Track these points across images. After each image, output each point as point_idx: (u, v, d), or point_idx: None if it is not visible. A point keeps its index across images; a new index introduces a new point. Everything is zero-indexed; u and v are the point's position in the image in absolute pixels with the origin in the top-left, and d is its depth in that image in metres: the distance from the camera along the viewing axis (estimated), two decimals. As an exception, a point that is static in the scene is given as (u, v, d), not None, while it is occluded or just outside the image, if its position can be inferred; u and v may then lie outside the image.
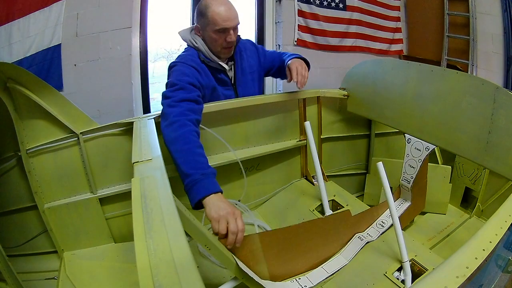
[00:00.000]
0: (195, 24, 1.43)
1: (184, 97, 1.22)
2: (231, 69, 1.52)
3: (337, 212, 1.49)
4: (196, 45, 1.42)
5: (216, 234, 0.96)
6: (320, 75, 3.37)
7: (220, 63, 1.44)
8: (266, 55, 1.64)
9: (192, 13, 2.74)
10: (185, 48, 1.49)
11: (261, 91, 1.66)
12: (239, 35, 1.48)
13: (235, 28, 1.38)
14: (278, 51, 1.72)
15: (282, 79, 1.67)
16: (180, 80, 1.27)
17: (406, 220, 1.56)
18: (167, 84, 1.29)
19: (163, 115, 1.21)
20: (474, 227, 1.63)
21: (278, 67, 1.63)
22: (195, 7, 2.71)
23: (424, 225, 1.68)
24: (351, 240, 1.29)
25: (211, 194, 0.99)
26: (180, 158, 1.07)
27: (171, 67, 1.37)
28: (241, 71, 1.54)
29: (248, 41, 1.63)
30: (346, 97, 1.81)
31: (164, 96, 1.25)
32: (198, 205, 1.01)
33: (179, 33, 1.49)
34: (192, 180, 1.02)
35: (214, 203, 0.98)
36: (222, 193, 1.03)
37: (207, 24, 1.36)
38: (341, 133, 1.92)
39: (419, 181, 1.60)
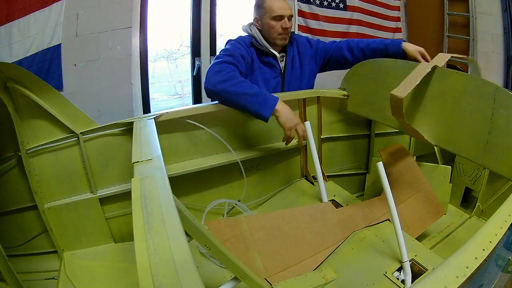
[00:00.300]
0: (254, 17, 1.65)
1: (232, 61, 1.42)
2: (282, 60, 1.67)
3: (319, 203, 1.51)
4: (250, 32, 1.65)
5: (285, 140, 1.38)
6: (320, 75, 3.37)
7: (270, 49, 1.62)
8: (318, 48, 1.75)
9: (192, 13, 2.75)
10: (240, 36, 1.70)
11: (310, 86, 1.80)
12: (293, 31, 1.68)
13: (289, 17, 1.58)
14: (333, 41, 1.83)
15: (343, 69, 1.79)
16: (232, 50, 1.50)
17: (421, 227, 1.49)
18: (220, 51, 1.54)
19: (210, 69, 1.38)
20: (474, 227, 1.63)
21: (335, 58, 1.77)
22: (195, 7, 2.72)
23: (424, 225, 1.68)
24: (347, 238, 1.30)
25: (277, 102, 1.31)
26: (240, 87, 1.31)
27: (226, 43, 1.64)
28: (291, 64, 1.68)
29: (304, 37, 1.79)
30: (346, 97, 1.81)
31: (216, 57, 1.47)
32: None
33: (242, 27, 1.73)
34: (261, 97, 1.30)
35: (283, 113, 1.31)
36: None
37: (264, 13, 1.58)
38: (341, 133, 1.92)
39: (415, 184, 1.60)
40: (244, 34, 1.71)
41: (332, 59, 1.77)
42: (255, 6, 1.64)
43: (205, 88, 1.37)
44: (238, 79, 1.34)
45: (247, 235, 1.08)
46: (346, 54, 1.72)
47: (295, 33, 1.80)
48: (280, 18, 1.56)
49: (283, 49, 1.69)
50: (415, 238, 1.35)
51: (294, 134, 1.34)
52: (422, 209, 1.54)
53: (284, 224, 1.16)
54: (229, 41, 1.63)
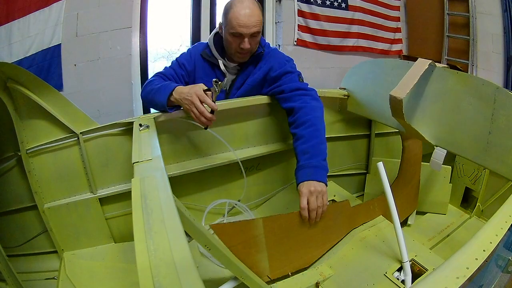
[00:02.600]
0: (220, 22, 1.41)
1: (161, 75, 1.42)
2: (235, 74, 1.48)
3: (337, 202, 1.50)
4: (209, 40, 1.47)
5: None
6: (320, 75, 3.38)
7: (218, 60, 1.43)
8: (276, 80, 1.43)
9: (192, 13, 2.75)
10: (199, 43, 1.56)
11: None
12: (263, 45, 1.44)
13: (252, 36, 1.32)
14: (299, 84, 1.41)
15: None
16: (168, 70, 1.46)
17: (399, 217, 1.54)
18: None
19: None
20: (474, 228, 1.63)
21: (284, 108, 1.42)
22: (195, 7, 2.72)
23: (424, 225, 1.68)
24: (347, 235, 1.30)
25: (177, 87, 1.24)
26: (151, 86, 1.33)
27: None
28: (240, 82, 1.48)
29: (278, 56, 1.46)
30: (346, 97, 1.81)
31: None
32: (170, 104, 1.27)
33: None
34: (164, 86, 1.28)
35: (177, 91, 1.24)
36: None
37: (226, 25, 1.34)
38: (341, 133, 1.92)
39: (411, 180, 1.61)
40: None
41: (280, 101, 1.45)
42: (223, 10, 1.37)
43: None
44: (156, 82, 1.34)
45: (261, 238, 1.07)
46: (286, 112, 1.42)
47: (276, 47, 1.56)
48: (239, 35, 1.30)
49: (241, 63, 1.45)
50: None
51: (199, 105, 1.18)
52: (402, 200, 1.55)
53: (297, 225, 1.16)
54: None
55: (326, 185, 1.21)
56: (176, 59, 1.48)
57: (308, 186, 1.16)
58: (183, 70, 1.45)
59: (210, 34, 1.49)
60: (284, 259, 1.13)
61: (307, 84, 1.43)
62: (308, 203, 1.13)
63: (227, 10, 1.31)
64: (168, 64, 1.54)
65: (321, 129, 1.31)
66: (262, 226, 1.06)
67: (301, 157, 1.28)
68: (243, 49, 1.34)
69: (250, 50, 1.37)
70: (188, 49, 1.50)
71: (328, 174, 1.83)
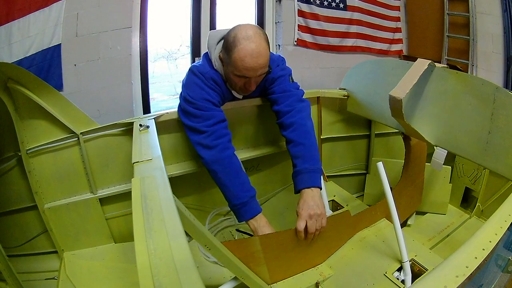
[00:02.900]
0: (221, 51, 1.23)
1: (215, 121, 1.21)
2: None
3: (337, 213, 1.49)
4: (215, 67, 1.26)
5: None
6: (320, 75, 3.38)
7: (235, 94, 1.36)
8: (269, 85, 1.37)
9: (192, 13, 2.74)
10: (206, 57, 1.30)
11: None
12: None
13: (259, 77, 1.23)
14: (292, 91, 1.36)
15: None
16: (204, 101, 1.22)
17: (402, 217, 1.54)
18: (187, 99, 1.22)
19: (197, 137, 1.21)
20: (474, 228, 1.63)
21: (276, 112, 1.37)
22: (195, 7, 2.71)
23: (424, 225, 1.68)
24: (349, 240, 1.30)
25: (256, 215, 1.17)
26: (228, 180, 1.18)
27: (193, 73, 1.24)
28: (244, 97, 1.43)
29: (271, 64, 1.31)
30: (346, 97, 1.81)
31: (192, 114, 1.21)
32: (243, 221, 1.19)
33: (210, 34, 1.30)
34: (241, 203, 1.16)
35: (258, 226, 1.16)
36: (261, 211, 1.20)
37: (228, 63, 1.18)
38: (341, 133, 1.92)
39: (415, 179, 1.60)
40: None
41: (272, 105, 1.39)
42: (224, 41, 1.20)
43: (200, 158, 1.23)
44: (229, 165, 1.19)
45: (259, 254, 1.06)
46: (277, 117, 1.37)
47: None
48: (244, 77, 1.20)
49: None
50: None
51: None
52: (406, 200, 1.55)
53: (293, 240, 1.14)
54: (195, 75, 1.24)
55: (321, 188, 1.22)
56: (206, 99, 1.23)
57: (308, 209, 1.13)
58: (220, 105, 1.30)
59: (214, 49, 1.28)
60: (284, 269, 1.13)
61: (296, 84, 1.40)
62: (306, 226, 1.11)
63: (231, 47, 1.14)
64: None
65: (309, 128, 1.30)
66: (259, 244, 1.05)
67: (295, 161, 1.26)
68: (247, 89, 1.26)
69: (253, 89, 1.28)
70: (210, 83, 1.25)
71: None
